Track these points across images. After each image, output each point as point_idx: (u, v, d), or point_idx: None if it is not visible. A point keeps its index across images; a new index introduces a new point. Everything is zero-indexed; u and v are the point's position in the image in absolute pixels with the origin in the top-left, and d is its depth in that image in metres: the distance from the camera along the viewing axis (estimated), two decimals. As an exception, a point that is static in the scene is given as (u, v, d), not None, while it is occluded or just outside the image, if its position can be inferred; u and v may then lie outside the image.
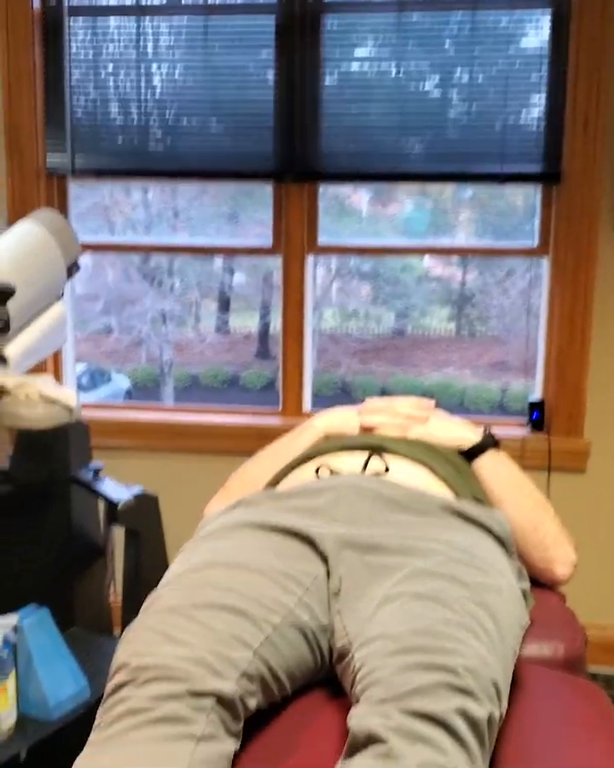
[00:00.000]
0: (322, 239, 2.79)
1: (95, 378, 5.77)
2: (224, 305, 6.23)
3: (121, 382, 6.15)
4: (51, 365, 2.91)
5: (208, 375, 6.14)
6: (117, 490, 2.25)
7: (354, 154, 2.69)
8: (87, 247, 2.24)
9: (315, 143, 2.70)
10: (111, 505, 2.20)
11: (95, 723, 1.00)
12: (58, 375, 2.93)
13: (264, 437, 2.48)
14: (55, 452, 2.27)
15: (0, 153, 2.80)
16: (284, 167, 2.71)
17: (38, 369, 2.81)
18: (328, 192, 2.82)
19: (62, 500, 2.30)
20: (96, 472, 2.30)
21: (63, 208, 2.87)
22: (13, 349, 2.06)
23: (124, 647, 1.06)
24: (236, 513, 1.35)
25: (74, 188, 2.93)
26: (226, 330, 6.27)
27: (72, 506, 2.32)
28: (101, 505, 2.32)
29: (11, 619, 1.95)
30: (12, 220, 2.45)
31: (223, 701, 0.99)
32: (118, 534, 2.40)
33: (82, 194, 3.06)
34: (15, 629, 1.96)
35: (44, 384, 2.01)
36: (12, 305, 1.98)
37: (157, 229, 4.55)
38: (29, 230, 2.09)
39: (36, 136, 2.79)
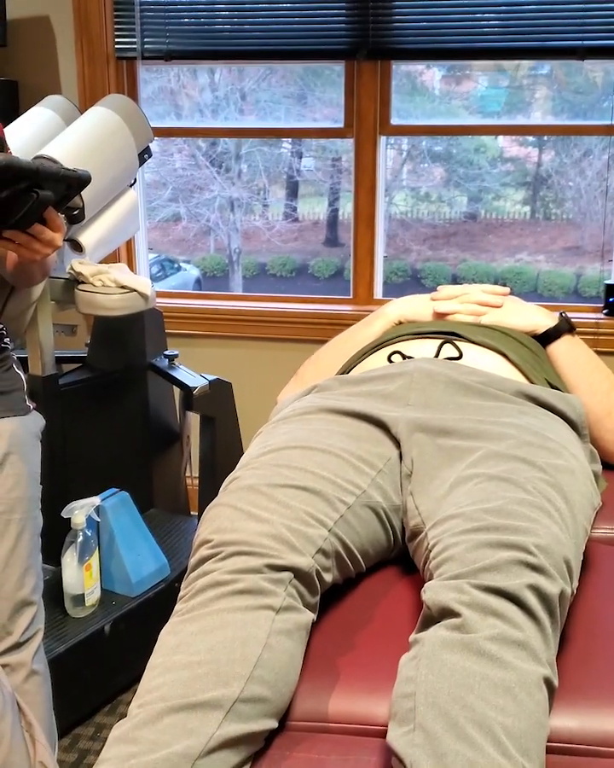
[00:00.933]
0: (394, 120, 2.72)
1: (165, 267, 5.78)
2: (292, 191, 6.14)
3: (190, 271, 6.17)
4: (124, 254, 2.93)
5: (276, 263, 6.10)
6: (192, 377, 2.29)
7: (427, 30, 2.58)
8: (155, 133, 2.23)
9: (388, 19, 2.59)
10: (186, 392, 2.25)
11: (180, 594, 1.05)
12: (131, 264, 2.95)
13: (335, 324, 2.49)
14: (131, 340, 2.31)
15: (69, 39, 2.77)
16: (356, 45, 2.62)
17: (112, 258, 2.83)
18: (399, 70, 2.72)
19: (139, 387, 2.36)
20: (171, 359, 2.35)
21: (132, 93, 2.84)
22: (88, 237, 2.07)
23: (205, 524, 1.10)
24: (310, 398, 1.37)
25: (141, 72, 2.89)
26: (294, 217, 6.19)
27: (149, 393, 2.37)
28: (177, 392, 2.37)
29: (94, 501, 2.03)
30: (83, 106, 2.42)
31: (300, 575, 1.03)
32: (194, 420, 2.46)
33: (148, 78, 3.01)
34: (98, 510, 2.05)
35: (120, 272, 2.03)
36: (86, 193, 1.98)
37: (224, 113, 4.46)
38: (101, 116, 2.08)
39: (104, 21, 2.74)
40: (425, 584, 0.99)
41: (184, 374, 2.31)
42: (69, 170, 1.41)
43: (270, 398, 1.72)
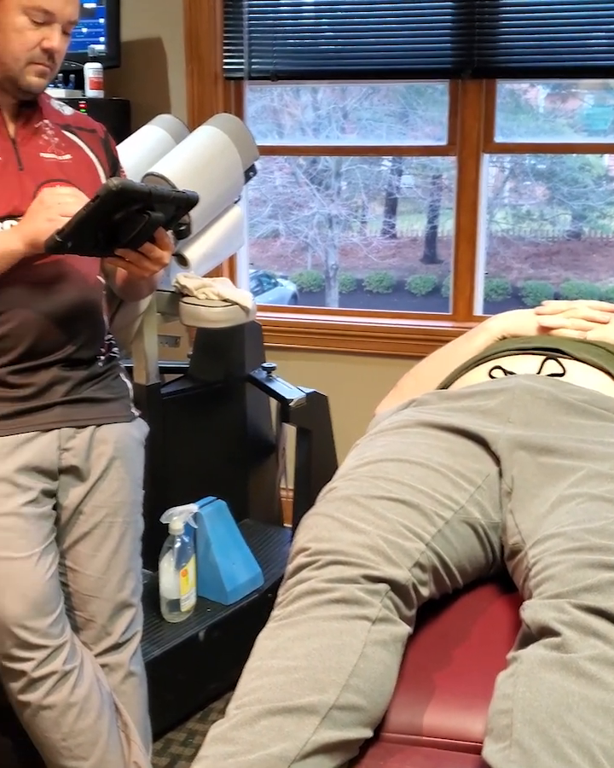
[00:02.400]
0: (498, 137, 2.71)
1: (263, 283, 5.86)
2: (391, 208, 6.15)
3: (287, 287, 6.22)
4: (226, 269, 2.99)
5: (373, 279, 6.11)
6: (289, 389, 2.33)
7: (533, 48, 2.57)
8: (258, 151, 2.28)
9: (494, 37, 2.60)
10: (284, 404, 2.28)
11: (278, 600, 1.07)
12: (232, 279, 3.00)
13: (433, 341, 2.49)
14: (231, 351, 2.36)
15: (180, 60, 2.85)
16: (461, 64, 2.63)
17: (215, 272, 2.89)
18: (503, 88, 2.72)
19: (238, 398, 2.40)
20: (270, 371, 2.38)
21: (239, 112, 2.90)
22: (193, 252, 2.13)
23: (303, 532, 1.12)
24: (408, 412, 1.38)
25: (247, 91, 2.95)
26: (392, 234, 6.19)
27: (247, 404, 2.41)
28: (274, 404, 2.40)
29: (192, 508, 2.07)
30: (192, 125, 2.49)
31: (397, 588, 1.03)
32: (290, 432, 2.49)
33: (252, 97, 3.07)
34: (195, 517, 2.09)
35: (223, 285, 2.07)
36: (193, 209, 2.04)
37: (326, 131, 4.51)
38: (209, 135, 2.14)
39: (214, 42, 2.81)
40: (525, 603, 0.99)
41: (282, 386, 2.34)
42: (179, 192, 1.46)
43: (365, 413, 1.73)
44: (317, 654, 0.94)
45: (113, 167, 1.75)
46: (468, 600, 1.18)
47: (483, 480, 1.21)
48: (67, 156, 1.65)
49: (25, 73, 1.55)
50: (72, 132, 1.69)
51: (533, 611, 0.94)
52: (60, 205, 1.47)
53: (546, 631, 0.92)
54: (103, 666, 1.60)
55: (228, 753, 0.88)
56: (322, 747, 0.88)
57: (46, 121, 1.65)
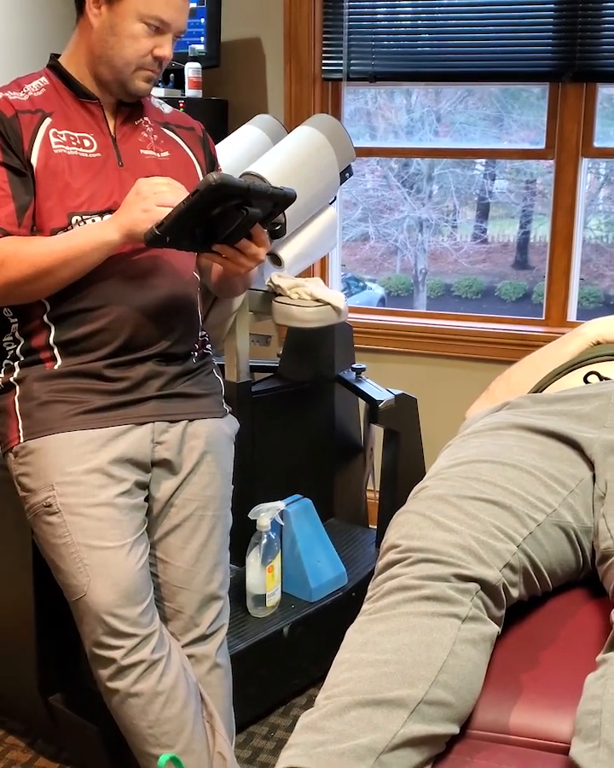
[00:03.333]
0: (596, 142, 2.67)
1: (351, 286, 5.86)
2: (483, 212, 6.08)
3: (376, 290, 6.21)
4: (318, 270, 3.01)
5: (462, 285, 6.05)
6: (378, 391, 2.33)
7: (637, 50, 2.53)
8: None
9: (596, 40, 2.56)
10: (372, 405, 2.29)
11: (368, 595, 1.08)
12: (324, 280, 3.02)
13: (525, 345, 2.47)
14: (321, 352, 2.37)
15: (279, 60, 2.88)
16: (562, 67, 2.60)
17: (306, 273, 2.91)
18: (602, 92, 2.68)
19: (327, 398, 2.41)
20: (359, 372, 2.39)
21: (336, 112, 2.92)
22: (288, 251, 2.15)
23: (394, 529, 1.13)
24: (502, 414, 1.37)
25: (344, 93, 2.97)
26: (483, 239, 6.12)
27: (336, 404, 2.43)
28: (362, 405, 2.41)
29: (279, 505, 2.09)
30: (289, 125, 2.52)
31: (487, 587, 1.03)
32: (378, 433, 2.49)
33: (346, 99, 3.09)
34: (282, 514, 2.11)
35: (316, 286, 2.09)
36: (288, 209, 2.06)
37: (419, 134, 4.49)
38: (307, 135, 2.15)
39: (313, 44, 2.84)
40: None
41: (371, 387, 2.35)
42: (277, 188, 1.47)
43: (454, 416, 1.72)
44: (407, 649, 0.95)
45: (211, 165, 1.78)
46: (557, 603, 1.18)
47: (576, 484, 1.20)
48: (166, 153, 1.69)
49: (134, 78, 1.60)
50: (171, 130, 1.73)
51: None
52: (156, 195, 1.50)
53: None
54: (190, 656, 1.63)
55: (318, 742, 0.89)
56: (410, 740, 0.89)
57: (146, 119, 1.69)
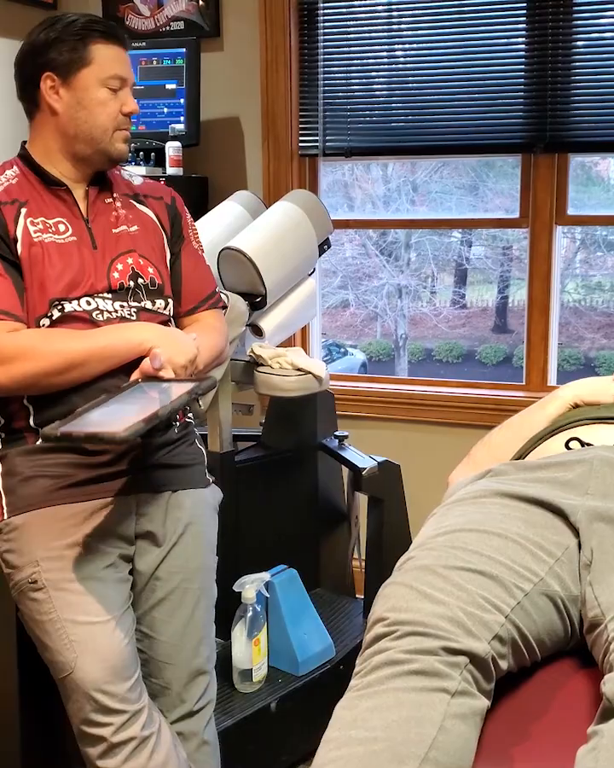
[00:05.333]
0: (570, 210, 2.73)
1: (332, 352, 5.90)
2: (461, 278, 6.17)
3: (357, 356, 6.25)
4: (299, 338, 3.03)
5: (442, 349, 6.10)
6: (361, 458, 2.33)
7: (606, 122, 2.60)
8: (332, 224, 2.35)
9: (566, 112, 2.64)
10: (356, 472, 2.29)
11: (356, 670, 1.07)
12: (305, 348, 3.05)
13: (506, 410, 2.47)
14: (304, 420, 2.38)
15: (257, 137, 2.96)
16: (533, 139, 2.67)
17: (287, 342, 2.94)
18: (574, 160, 2.75)
19: (310, 466, 2.41)
20: (341, 440, 2.40)
21: (313, 187, 2.98)
22: (268, 322, 2.18)
23: (381, 601, 1.12)
24: (484, 482, 1.38)
25: (321, 167, 3.03)
26: (462, 304, 6.20)
27: (319, 472, 2.43)
28: (346, 472, 2.41)
29: (264, 576, 2.07)
30: (268, 200, 2.57)
31: (476, 661, 1.02)
32: (362, 501, 2.49)
33: (324, 171, 3.15)
34: (267, 586, 2.08)
35: (296, 355, 2.11)
36: (269, 281, 2.10)
37: (396, 204, 4.59)
38: (285, 210, 2.20)
39: (290, 121, 2.91)
40: (605, 677, 0.97)
41: (354, 455, 2.35)
42: (192, 395, 1.48)
43: (438, 482, 1.72)
44: (397, 726, 0.94)
45: (176, 233, 1.78)
46: (547, 674, 1.17)
47: (562, 552, 1.20)
48: (135, 227, 1.70)
49: (113, 143, 1.63)
50: (140, 202, 1.75)
51: (612, 686, 0.93)
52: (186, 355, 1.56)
53: None
54: (178, 733, 1.60)
55: None
56: None
57: (115, 195, 1.71)
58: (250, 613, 2.02)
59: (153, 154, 2.80)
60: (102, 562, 1.57)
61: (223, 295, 1.87)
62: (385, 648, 1.04)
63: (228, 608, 2.02)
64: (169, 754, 1.51)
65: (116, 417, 1.39)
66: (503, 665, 1.08)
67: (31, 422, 1.60)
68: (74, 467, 1.59)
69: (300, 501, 2.41)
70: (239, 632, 2.02)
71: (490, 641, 1.05)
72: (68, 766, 1.76)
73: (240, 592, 2.02)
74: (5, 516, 1.58)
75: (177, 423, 1.72)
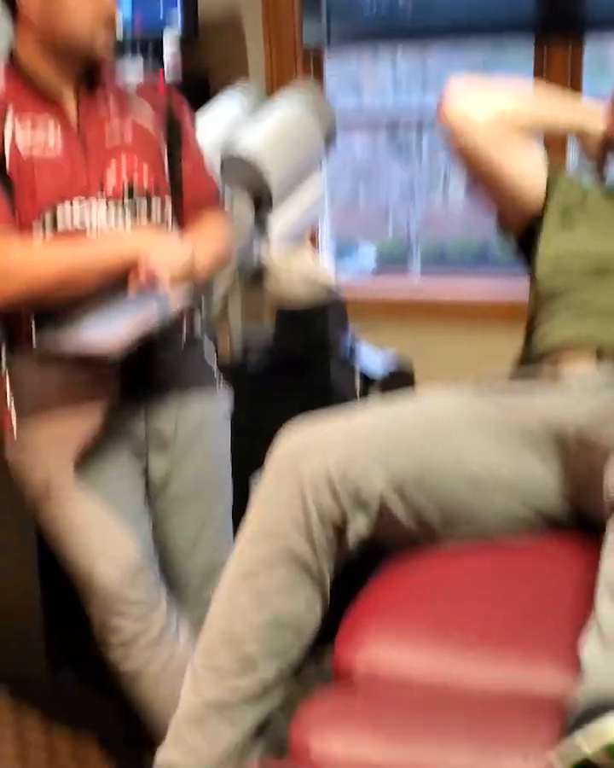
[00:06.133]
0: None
1: (343, 252, 5.82)
2: (473, 173, 6.01)
3: (368, 256, 6.16)
4: (308, 240, 2.96)
5: (456, 247, 6.01)
6: (373, 362, 2.30)
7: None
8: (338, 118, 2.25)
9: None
10: (369, 377, 2.26)
11: None
12: (314, 250, 2.98)
13: (522, 311, 2.43)
14: (315, 327, 2.33)
15: (258, 29, 2.83)
16: (546, 23, 2.54)
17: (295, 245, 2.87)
18: (588, 50, 2.63)
19: (322, 372, 2.38)
20: (354, 345, 2.36)
21: (318, 80, 2.87)
22: (275, 225, 2.12)
23: None
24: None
25: (326, 59, 2.91)
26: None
27: (331, 378, 2.39)
28: (359, 378, 2.38)
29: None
30: (270, 95, 2.47)
31: None
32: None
33: (329, 65, 3.03)
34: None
35: (304, 260, 2.06)
36: (275, 180, 2.02)
37: (406, 98, 4.44)
38: (289, 104, 2.12)
39: (292, 10, 2.78)
40: None
41: (366, 359, 2.32)
42: (180, 307, 1.48)
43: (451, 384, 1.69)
44: None
45: (173, 132, 1.71)
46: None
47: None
48: (129, 131, 1.63)
49: (94, 42, 1.54)
50: (134, 102, 1.67)
51: None
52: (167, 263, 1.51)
53: None
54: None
55: None
56: None
57: (108, 95, 1.63)
58: (264, 520, 2.02)
59: (149, 49, 2.67)
60: (114, 468, 1.59)
61: (225, 198, 1.81)
62: None
63: (242, 514, 2.02)
64: (187, 651, 1.55)
65: (110, 329, 1.39)
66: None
67: (35, 334, 1.57)
68: (82, 375, 1.58)
69: (313, 408, 2.37)
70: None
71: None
72: (92, 666, 1.80)
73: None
74: (14, 424, 1.58)
75: (187, 331, 1.70)
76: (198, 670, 1.19)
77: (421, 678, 1.00)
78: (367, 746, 0.89)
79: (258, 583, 1.17)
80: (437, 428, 1.24)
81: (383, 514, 1.17)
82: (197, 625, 1.61)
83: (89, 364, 1.56)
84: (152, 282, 1.46)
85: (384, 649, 1.05)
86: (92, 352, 1.33)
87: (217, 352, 2.04)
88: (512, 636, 1.04)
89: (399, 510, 1.18)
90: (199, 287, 1.54)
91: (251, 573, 1.17)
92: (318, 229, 2.97)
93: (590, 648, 0.90)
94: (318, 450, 1.16)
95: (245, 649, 1.15)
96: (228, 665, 1.15)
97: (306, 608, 1.17)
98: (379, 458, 1.16)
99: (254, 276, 2.12)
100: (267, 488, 1.19)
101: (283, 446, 1.20)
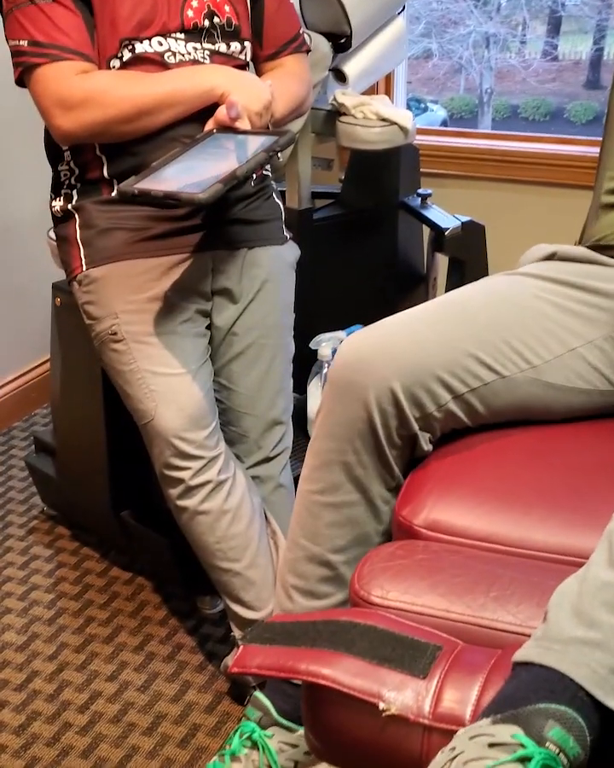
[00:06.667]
0: None
1: (412, 107, 5.61)
2: (554, 27, 5.69)
3: (438, 112, 5.95)
4: (382, 88, 2.85)
5: (529, 106, 5.75)
6: (443, 217, 2.26)
7: None
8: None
9: None
10: (438, 232, 2.22)
11: None
12: (390, 98, 2.87)
13: (595, 168, 2.34)
14: (386, 176, 2.29)
15: None
16: None
17: (370, 91, 2.77)
18: None
19: (390, 225, 2.35)
20: (424, 198, 2.31)
21: None
22: (352, 67, 2.04)
23: None
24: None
25: None
26: (554, 56, 5.76)
27: (399, 232, 2.36)
28: (427, 232, 2.34)
29: (340, 335, 2.08)
30: None
31: None
32: (442, 262, 2.43)
33: None
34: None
35: (382, 104, 1.99)
36: (355, 21, 1.93)
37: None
38: None
39: None
40: None
41: (436, 214, 2.27)
42: (271, 151, 1.38)
43: (523, 244, 1.64)
44: None
45: None
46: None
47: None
48: None
49: None
50: None
51: None
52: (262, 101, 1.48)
53: None
54: (254, 478, 1.67)
55: None
56: None
57: None
58: (325, 370, 2.05)
59: None
60: (180, 317, 1.59)
61: (306, 37, 1.74)
62: None
63: (304, 365, 2.05)
64: (244, 497, 1.59)
65: (193, 174, 1.36)
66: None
67: (105, 173, 1.57)
68: (152, 220, 1.57)
69: (378, 261, 2.36)
70: (314, 387, 2.06)
71: None
72: (153, 501, 1.87)
73: (316, 349, 2.04)
74: (84, 268, 1.59)
75: (254, 177, 1.67)
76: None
77: (480, 540, 1.03)
78: (426, 597, 0.91)
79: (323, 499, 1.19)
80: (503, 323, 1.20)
81: (449, 420, 1.16)
82: (254, 473, 1.67)
83: (171, 210, 1.55)
84: (233, 119, 1.43)
85: (444, 511, 1.06)
86: (182, 196, 1.30)
87: (284, 199, 2.02)
88: (569, 504, 1.05)
89: (466, 415, 1.17)
90: (278, 132, 1.49)
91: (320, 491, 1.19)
92: (394, 76, 2.87)
93: (567, 585, 0.83)
94: (380, 369, 1.12)
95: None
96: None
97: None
98: (445, 367, 1.14)
99: (325, 121, 2.05)
100: (330, 402, 1.16)
101: (343, 360, 1.16)
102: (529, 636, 0.84)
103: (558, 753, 0.69)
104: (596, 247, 1.33)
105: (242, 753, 1.27)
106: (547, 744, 0.68)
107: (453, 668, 0.82)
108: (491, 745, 0.69)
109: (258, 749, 1.26)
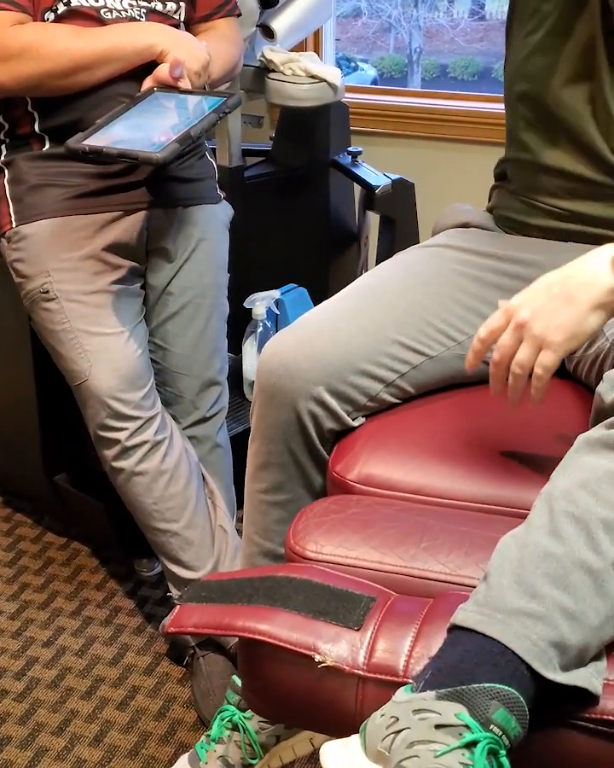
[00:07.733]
0: None
1: (342, 66, 5.57)
2: (482, -15, 5.69)
3: (368, 72, 5.92)
4: (311, 44, 2.83)
5: (458, 65, 5.76)
6: (374, 175, 2.26)
7: None
8: None
9: None
10: (368, 190, 2.23)
11: None
12: (319, 56, 2.85)
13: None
14: (316, 134, 2.28)
15: None
16: None
17: (298, 48, 2.74)
18: None
19: (321, 183, 2.34)
20: (354, 156, 2.31)
21: None
22: (280, 22, 2.02)
23: None
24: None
25: None
26: (481, 15, 5.76)
27: (331, 190, 2.36)
28: (358, 190, 2.34)
29: (274, 294, 2.08)
30: None
31: None
32: (373, 220, 2.44)
33: None
34: (277, 303, 2.10)
35: (310, 61, 1.98)
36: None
37: None
38: None
39: None
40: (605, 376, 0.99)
41: (367, 172, 2.28)
42: (220, 112, 1.38)
43: (452, 202, 1.67)
44: None
45: None
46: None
47: None
48: None
49: None
50: None
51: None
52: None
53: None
54: (191, 438, 1.67)
55: None
56: None
57: None
58: (260, 329, 2.05)
59: None
60: (114, 276, 1.57)
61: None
62: None
63: (239, 324, 2.05)
64: (181, 457, 1.59)
65: (140, 131, 1.33)
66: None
67: (36, 128, 1.54)
68: (85, 177, 1.55)
69: (311, 219, 2.36)
70: (249, 346, 2.06)
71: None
72: (87, 464, 1.85)
73: (251, 308, 2.04)
74: (14, 225, 1.56)
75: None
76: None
77: (412, 493, 1.05)
78: (359, 550, 0.93)
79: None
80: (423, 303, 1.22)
81: (382, 405, 1.19)
82: (190, 433, 1.67)
83: (105, 167, 1.52)
84: (176, 78, 1.41)
85: (376, 466, 1.08)
86: (140, 155, 1.27)
87: (215, 158, 2.00)
88: (495, 457, 1.08)
89: (398, 398, 1.19)
90: (220, 93, 1.48)
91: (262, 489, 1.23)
92: (322, 34, 2.84)
93: (507, 546, 0.83)
94: (305, 373, 1.13)
95: None
96: None
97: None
98: (371, 360, 1.16)
99: (254, 77, 2.03)
100: (261, 408, 1.18)
101: (268, 367, 1.17)
102: (458, 584, 0.86)
103: (501, 735, 0.71)
104: (496, 218, 1.37)
105: (224, 734, 1.31)
106: (491, 727, 0.70)
107: (386, 619, 0.84)
108: (438, 726, 0.70)
109: (239, 730, 1.30)
